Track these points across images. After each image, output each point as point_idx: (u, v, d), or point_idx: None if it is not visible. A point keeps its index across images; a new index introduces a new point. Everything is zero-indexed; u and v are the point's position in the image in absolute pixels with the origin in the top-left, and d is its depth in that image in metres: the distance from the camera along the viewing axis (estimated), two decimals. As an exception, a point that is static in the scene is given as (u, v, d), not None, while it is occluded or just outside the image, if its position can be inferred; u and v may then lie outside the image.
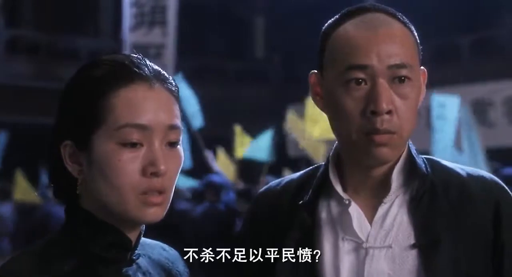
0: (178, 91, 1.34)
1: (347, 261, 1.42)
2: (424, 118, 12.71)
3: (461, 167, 1.51)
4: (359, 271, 1.41)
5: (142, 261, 1.36)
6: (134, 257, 1.34)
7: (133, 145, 1.25)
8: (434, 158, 1.53)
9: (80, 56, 16.86)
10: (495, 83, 12.23)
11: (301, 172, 1.60)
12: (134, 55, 1.32)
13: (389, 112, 1.37)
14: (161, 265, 1.42)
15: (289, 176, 1.61)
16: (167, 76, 1.33)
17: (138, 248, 1.35)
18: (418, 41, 1.46)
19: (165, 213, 1.29)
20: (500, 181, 1.49)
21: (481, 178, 1.48)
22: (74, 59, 16.63)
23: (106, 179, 1.25)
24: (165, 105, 1.28)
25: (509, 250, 1.41)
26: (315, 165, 1.57)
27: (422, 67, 1.47)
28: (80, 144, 1.28)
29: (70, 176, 1.31)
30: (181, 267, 1.46)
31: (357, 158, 1.44)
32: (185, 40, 14.42)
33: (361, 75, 1.38)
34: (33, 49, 16.51)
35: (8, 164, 12.16)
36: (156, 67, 1.32)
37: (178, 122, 1.30)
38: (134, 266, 1.33)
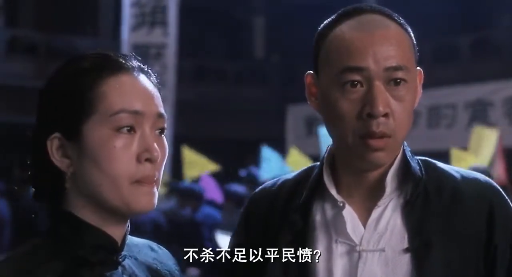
0: (159, 86, 1.36)
1: (340, 264, 1.41)
2: (425, 119, 12.74)
3: (456, 170, 1.50)
4: (352, 274, 1.40)
5: (128, 263, 1.34)
6: (120, 259, 1.32)
7: (128, 131, 1.26)
8: (429, 159, 1.51)
9: (80, 56, 16.84)
10: (495, 83, 12.23)
11: (297, 172, 1.59)
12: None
13: (385, 115, 1.36)
14: (148, 266, 1.39)
15: (284, 176, 1.60)
16: (150, 71, 1.36)
17: (124, 249, 1.33)
18: (415, 41, 1.44)
19: (156, 203, 1.29)
20: (494, 183, 1.47)
21: (475, 180, 1.46)
22: (74, 59, 16.61)
23: (100, 166, 1.24)
24: (152, 94, 1.31)
25: (502, 253, 1.40)
26: (310, 166, 1.56)
27: (418, 68, 1.46)
28: (70, 135, 1.27)
29: (55, 174, 1.29)
30: (171, 266, 1.44)
31: (352, 161, 1.43)
32: (185, 40, 14.42)
33: (357, 77, 1.37)
34: (33, 49, 16.50)
35: (6, 164, 12.15)
36: (139, 61, 1.35)
37: (163, 111, 1.32)
38: (120, 269, 1.31)
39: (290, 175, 1.59)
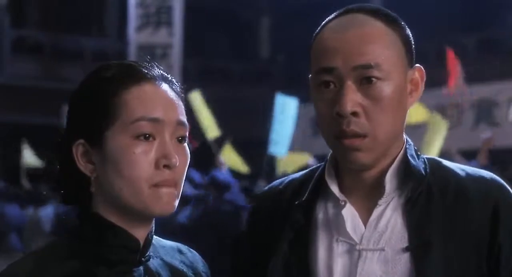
0: (183, 93, 1.40)
1: (340, 263, 1.41)
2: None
3: (462, 168, 1.48)
4: (352, 273, 1.40)
5: (152, 263, 1.38)
6: (142, 259, 1.35)
7: (147, 138, 1.30)
8: (436, 158, 1.50)
9: (85, 56, 16.86)
10: (500, 83, 12.21)
11: (304, 171, 1.59)
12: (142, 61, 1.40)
13: (355, 114, 1.36)
14: (174, 267, 1.43)
15: (293, 175, 1.60)
16: (173, 79, 1.40)
17: (149, 250, 1.37)
18: (409, 39, 1.43)
19: (176, 206, 1.33)
20: (501, 181, 1.45)
21: (480, 178, 1.44)
22: (79, 59, 16.63)
23: (121, 172, 1.30)
24: (173, 102, 1.35)
25: (506, 252, 1.37)
26: (317, 165, 1.56)
27: (417, 65, 1.44)
28: (93, 141, 1.32)
29: (81, 178, 1.34)
30: (199, 268, 1.48)
31: (340, 162, 1.44)
32: (191, 40, 14.43)
33: (329, 77, 1.38)
34: (38, 49, 16.52)
35: (11, 164, 12.16)
36: (162, 70, 1.40)
37: (185, 119, 1.36)
38: (141, 268, 1.35)
39: (298, 174, 1.59)
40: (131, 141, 1.30)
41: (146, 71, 1.35)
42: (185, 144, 1.35)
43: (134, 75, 1.34)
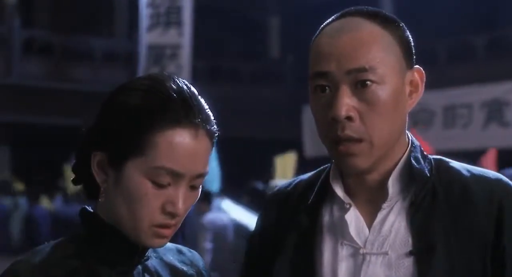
0: (217, 132, 1.36)
1: (344, 267, 1.40)
2: (440, 118, 12.70)
3: (468, 168, 1.45)
4: (355, 276, 1.39)
5: (151, 263, 1.40)
6: (141, 259, 1.37)
7: (162, 185, 1.30)
8: (443, 159, 1.48)
9: (95, 56, 16.92)
10: (511, 82, 12.17)
11: (312, 172, 1.58)
12: (185, 86, 1.33)
13: (349, 119, 1.34)
14: (174, 266, 1.44)
15: (301, 176, 1.59)
16: (211, 117, 1.35)
17: (148, 251, 1.38)
18: (408, 41, 1.41)
19: (167, 242, 1.36)
20: (506, 180, 1.42)
21: (484, 178, 1.42)
22: (89, 59, 16.69)
23: (128, 206, 1.31)
24: (202, 155, 1.32)
25: (510, 253, 1.35)
26: (325, 166, 1.54)
27: (417, 66, 1.43)
28: (113, 163, 1.32)
29: (94, 181, 1.35)
30: (200, 267, 1.50)
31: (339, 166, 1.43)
32: (200, 40, 14.44)
33: (323, 82, 1.37)
34: (48, 50, 16.58)
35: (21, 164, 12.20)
36: (203, 103, 1.34)
37: (207, 169, 1.34)
38: (140, 267, 1.36)
39: (306, 175, 1.58)
40: (146, 182, 1.29)
41: (188, 113, 1.30)
42: (198, 189, 1.35)
43: (174, 117, 1.29)
